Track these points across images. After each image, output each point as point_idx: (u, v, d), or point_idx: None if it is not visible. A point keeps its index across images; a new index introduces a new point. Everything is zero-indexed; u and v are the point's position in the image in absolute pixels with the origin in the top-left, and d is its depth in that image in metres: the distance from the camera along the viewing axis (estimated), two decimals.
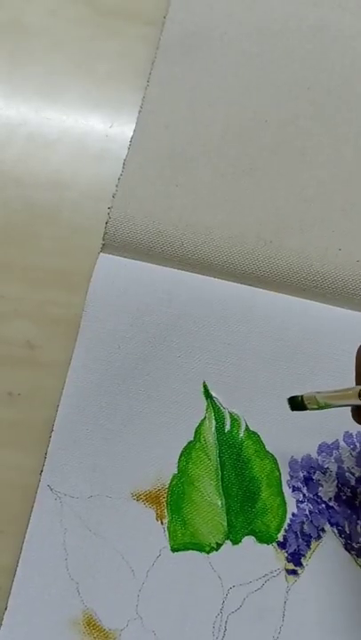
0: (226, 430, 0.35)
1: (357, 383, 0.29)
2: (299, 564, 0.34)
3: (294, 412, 0.30)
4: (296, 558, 0.34)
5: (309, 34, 0.41)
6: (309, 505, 0.34)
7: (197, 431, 0.35)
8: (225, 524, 0.34)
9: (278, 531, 0.34)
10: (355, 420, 0.30)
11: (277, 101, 0.40)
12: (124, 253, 0.37)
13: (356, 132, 0.39)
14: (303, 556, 0.34)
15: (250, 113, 0.39)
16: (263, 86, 0.40)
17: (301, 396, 0.30)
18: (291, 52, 0.40)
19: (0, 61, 0.42)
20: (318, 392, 0.30)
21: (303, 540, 0.34)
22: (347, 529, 0.34)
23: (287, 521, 0.34)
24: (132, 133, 0.39)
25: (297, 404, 0.30)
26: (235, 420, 0.35)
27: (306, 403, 0.30)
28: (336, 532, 0.34)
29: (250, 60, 0.40)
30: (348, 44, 0.41)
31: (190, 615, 0.33)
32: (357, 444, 0.35)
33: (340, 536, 0.34)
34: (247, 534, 0.34)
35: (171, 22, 0.41)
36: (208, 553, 0.34)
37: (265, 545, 0.34)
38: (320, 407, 0.30)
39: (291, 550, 0.34)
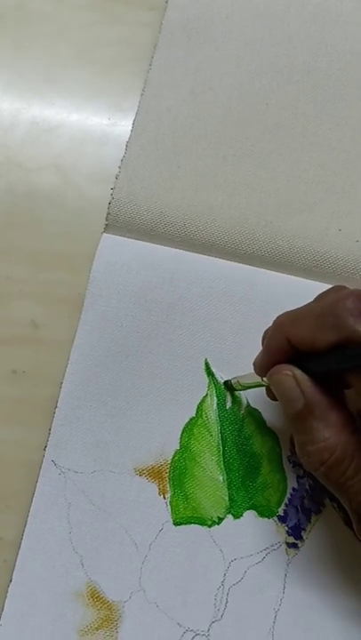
0: (228, 407, 0.36)
1: (265, 354, 0.31)
2: (299, 537, 0.34)
3: None
4: (296, 532, 0.34)
5: (310, 19, 0.41)
6: (310, 480, 0.35)
7: (199, 408, 0.36)
8: (226, 498, 0.35)
9: (279, 505, 0.35)
10: (268, 396, 0.33)
11: (278, 85, 0.40)
12: (126, 234, 0.38)
13: (355, 115, 0.40)
14: (304, 529, 0.34)
15: (251, 96, 0.40)
16: (264, 70, 0.40)
17: (230, 380, 0.35)
18: (291, 37, 0.41)
19: (4, 47, 0.42)
20: (238, 376, 0.35)
21: (303, 514, 0.34)
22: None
23: (288, 495, 0.35)
24: (134, 117, 0.40)
25: (228, 386, 0.35)
26: (236, 398, 0.36)
27: (233, 385, 0.35)
28: (336, 506, 0.35)
29: (251, 44, 0.41)
30: (347, 28, 0.41)
31: (192, 587, 0.34)
32: None
33: (340, 510, 0.34)
34: (248, 508, 0.35)
35: (173, 7, 0.41)
36: (210, 527, 0.34)
37: (266, 519, 0.34)
38: (242, 388, 0.35)
39: (291, 524, 0.34)
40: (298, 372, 0.29)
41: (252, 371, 0.32)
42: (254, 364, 0.32)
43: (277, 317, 0.30)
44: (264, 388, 0.33)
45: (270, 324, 0.31)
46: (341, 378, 0.29)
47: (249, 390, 0.35)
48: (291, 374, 0.29)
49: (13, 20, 0.43)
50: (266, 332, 0.32)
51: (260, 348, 0.32)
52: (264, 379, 0.32)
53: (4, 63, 0.42)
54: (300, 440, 0.29)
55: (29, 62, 0.42)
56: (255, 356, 0.32)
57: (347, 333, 0.27)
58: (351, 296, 0.27)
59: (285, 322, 0.30)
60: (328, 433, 0.28)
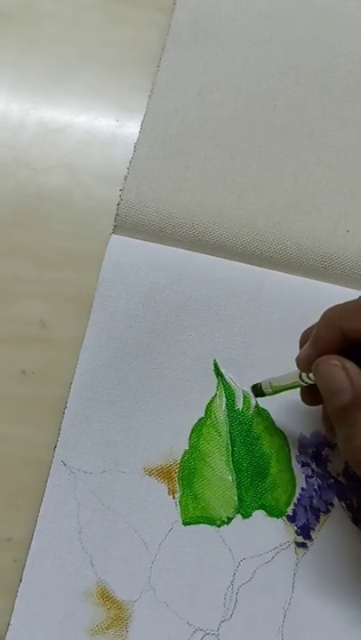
0: (237, 408, 0.36)
1: (313, 348, 0.30)
2: (308, 537, 0.34)
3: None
4: (305, 532, 0.34)
5: (317, 20, 0.41)
6: (318, 480, 0.35)
7: (208, 408, 0.36)
8: (235, 498, 0.35)
9: (288, 505, 0.35)
10: (303, 401, 0.33)
11: (285, 86, 0.40)
12: (135, 235, 0.38)
13: None
14: (312, 529, 0.34)
15: (258, 97, 0.40)
16: (271, 71, 0.41)
17: (260, 384, 0.34)
18: (299, 38, 0.41)
19: (11, 47, 0.42)
20: (271, 378, 0.34)
21: (312, 513, 0.35)
22: (355, 503, 0.35)
23: (297, 495, 0.35)
24: (142, 118, 0.40)
25: (257, 390, 0.35)
26: (246, 398, 0.36)
27: (263, 389, 0.34)
28: (344, 506, 0.35)
29: (258, 45, 0.41)
30: (355, 30, 0.41)
31: (202, 587, 0.34)
32: None
33: (349, 510, 0.35)
34: (257, 508, 0.35)
35: (180, 8, 0.41)
36: (219, 526, 0.34)
37: (275, 519, 0.35)
38: (274, 391, 0.34)
39: (300, 524, 0.35)
40: (348, 362, 0.28)
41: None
42: (298, 359, 0.31)
43: (327, 311, 0.30)
44: (299, 394, 0.33)
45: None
46: None
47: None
48: (340, 364, 0.28)
49: (21, 20, 0.43)
50: (305, 333, 0.31)
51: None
52: (304, 376, 0.31)
53: (13, 64, 0.42)
54: (346, 434, 0.28)
55: (37, 63, 0.42)
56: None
57: None
58: None
59: (338, 315, 0.29)
60: None
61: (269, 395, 0.35)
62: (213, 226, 0.38)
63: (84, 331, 0.36)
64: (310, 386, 0.32)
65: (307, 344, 0.31)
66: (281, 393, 0.34)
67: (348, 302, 0.30)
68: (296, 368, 0.32)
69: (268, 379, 0.35)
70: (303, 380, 0.32)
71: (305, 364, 0.31)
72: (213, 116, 0.40)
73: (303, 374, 0.32)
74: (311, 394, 0.33)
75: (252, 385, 0.35)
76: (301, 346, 0.32)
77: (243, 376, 0.36)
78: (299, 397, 0.34)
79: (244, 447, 0.35)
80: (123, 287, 0.37)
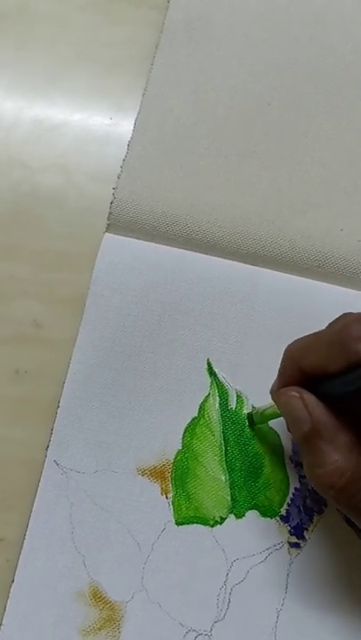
0: (230, 407, 0.36)
1: (279, 381, 0.31)
2: (301, 537, 0.34)
3: None
4: (299, 532, 0.34)
5: (312, 19, 0.41)
6: None
7: (201, 407, 0.36)
8: (229, 498, 0.35)
9: (281, 505, 0.35)
10: (288, 430, 0.33)
11: (281, 85, 0.40)
12: (128, 233, 0.38)
13: (358, 116, 0.40)
14: (306, 529, 0.34)
15: (253, 96, 0.40)
16: (266, 70, 0.40)
17: (251, 413, 0.35)
18: (294, 37, 0.41)
19: (6, 47, 0.42)
20: (258, 407, 0.35)
21: (306, 514, 0.34)
22: None
23: (290, 495, 0.35)
24: (136, 117, 0.40)
25: (250, 419, 0.35)
26: (239, 398, 0.36)
27: (255, 418, 0.35)
28: None
29: (253, 44, 0.41)
30: (350, 29, 0.41)
31: (195, 587, 0.34)
32: None
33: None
34: (251, 508, 0.35)
35: (175, 7, 0.41)
36: (212, 527, 0.34)
37: (268, 519, 0.34)
38: (263, 420, 0.34)
39: (293, 524, 0.34)
40: (306, 393, 0.29)
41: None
42: (271, 391, 0.32)
43: (288, 346, 0.31)
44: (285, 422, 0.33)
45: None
46: (354, 401, 0.29)
47: (252, 389, 0.35)
48: (298, 395, 0.29)
49: (16, 20, 0.43)
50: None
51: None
52: None
53: (7, 63, 0.42)
54: (309, 462, 0.29)
55: (32, 62, 0.42)
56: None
57: (355, 358, 0.27)
58: (357, 322, 0.27)
59: (296, 351, 0.30)
60: (337, 455, 0.28)
61: (260, 424, 0.35)
62: (207, 225, 0.38)
63: (78, 330, 0.36)
64: None
65: (276, 377, 0.32)
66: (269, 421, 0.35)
67: (305, 337, 0.30)
68: None
69: (256, 408, 0.35)
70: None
71: (275, 395, 0.32)
72: (208, 114, 0.40)
73: None
74: None
75: (247, 414, 0.36)
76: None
77: (236, 375, 0.36)
78: None
79: (237, 447, 0.35)
80: (116, 286, 0.37)
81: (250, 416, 0.35)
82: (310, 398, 0.29)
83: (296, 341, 0.30)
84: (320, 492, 0.29)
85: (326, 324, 0.31)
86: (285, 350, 0.31)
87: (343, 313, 0.29)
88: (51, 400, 0.36)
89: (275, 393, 0.32)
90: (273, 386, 0.32)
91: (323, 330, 0.30)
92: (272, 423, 0.35)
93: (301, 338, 0.30)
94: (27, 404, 0.36)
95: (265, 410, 0.34)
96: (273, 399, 0.32)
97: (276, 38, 0.41)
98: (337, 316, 0.31)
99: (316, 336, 0.30)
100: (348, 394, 0.28)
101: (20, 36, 0.42)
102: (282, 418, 0.32)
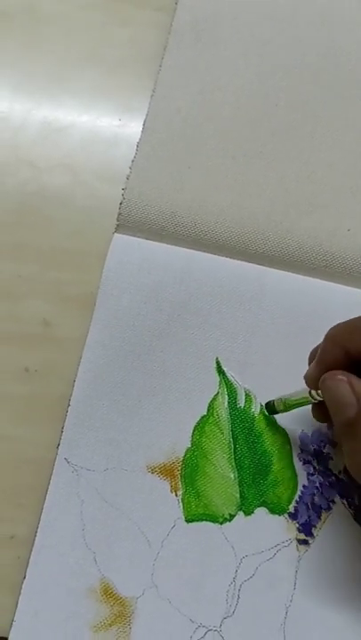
0: (239, 406, 0.36)
1: (319, 366, 0.31)
2: (310, 534, 0.35)
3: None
4: (307, 529, 0.35)
5: (318, 20, 0.42)
6: (320, 477, 0.35)
7: (210, 406, 0.36)
8: (238, 495, 0.35)
9: (290, 502, 0.35)
10: (314, 417, 0.34)
11: (287, 85, 0.40)
12: (137, 233, 0.38)
13: None
14: (314, 526, 0.35)
15: (260, 97, 0.40)
16: (273, 71, 0.41)
17: (273, 401, 0.35)
18: (300, 38, 0.41)
19: (14, 48, 0.42)
20: (283, 396, 0.34)
21: (314, 511, 0.35)
22: (356, 500, 0.35)
23: (298, 493, 0.35)
24: (144, 118, 0.40)
25: (270, 408, 0.35)
26: (248, 396, 0.36)
27: (276, 406, 0.35)
28: (346, 503, 0.35)
29: (260, 45, 0.41)
30: (355, 29, 0.42)
31: (204, 584, 0.34)
32: None
33: (350, 507, 0.35)
34: (259, 506, 0.35)
35: (182, 8, 0.42)
36: (221, 524, 0.35)
37: (277, 516, 0.35)
38: (285, 409, 0.34)
39: (302, 521, 0.35)
40: (354, 378, 0.29)
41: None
42: (306, 377, 0.32)
43: (331, 329, 0.30)
44: (310, 409, 0.34)
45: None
46: None
47: (260, 388, 0.35)
48: (346, 379, 0.29)
49: (23, 21, 0.43)
50: (314, 350, 0.32)
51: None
52: (313, 393, 0.32)
53: (15, 64, 0.42)
54: (351, 448, 0.29)
55: (40, 63, 0.42)
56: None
57: None
58: None
59: (341, 334, 0.30)
60: None
61: (282, 412, 0.35)
62: (215, 225, 0.38)
63: (87, 329, 0.37)
64: (320, 403, 0.32)
65: (313, 362, 0.31)
66: (293, 410, 0.35)
67: (350, 320, 0.30)
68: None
69: (280, 396, 0.35)
70: (313, 397, 0.32)
71: (312, 381, 0.32)
72: (215, 115, 0.40)
73: (313, 391, 0.32)
74: (322, 411, 0.33)
75: (265, 402, 0.36)
76: (310, 362, 0.32)
77: (245, 374, 0.36)
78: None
79: (246, 445, 0.36)
80: (125, 286, 0.37)
81: (270, 405, 0.35)
82: (359, 383, 0.29)
83: (339, 325, 0.30)
84: (359, 480, 0.29)
85: (334, 324, 0.32)
86: (327, 335, 0.30)
87: None
88: (60, 398, 0.36)
89: (310, 379, 0.31)
90: (309, 372, 0.32)
91: None
92: (284, 418, 0.36)
93: (344, 321, 0.30)
94: (36, 402, 0.37)
95: (290, 398, 0.34)
96: (308, 384, 0.32)
97: (282, 39, 0.41)
98: (343, 315, 0.31)
99: None
100: None
101: (28, 38, 0.42)
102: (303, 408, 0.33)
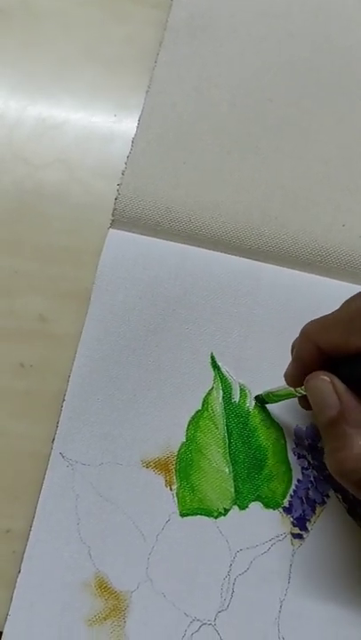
0: (233, 400, 0.36)
1: (295, 364, 0.32)
2: (304, 528, 0.35)
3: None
4: (301, 523, 0.35)
5: (313, 16, 0.42)
6: (314, 472, 0.35)
7: (205, 401, 0.36)
8: (232, 490, 0.35)
9: (284, 496, 0.35)
10: (301, 405, 0.34)
11: (282, 81, 0.41)
12: (132, 229, 0.38)
13: (358, 112, 0.40)
14: (308, 520, 0.35)
15: (255, 92, 0.40)
16: (268, 67, 0.41)
17: (262, 394, 0.35)
18: (295, 34, 0.41)
19: (10, 45, 0.42)
20: (269, 390, 0.35)
21: (308, 505, 0.35)
22: (350, 495, 0.35)
23: (293, 487, 0.35)
24: (139, 114, 0.40)
25: (261, 399, 0.36)
26: (243, 391, 0.36)
27: (265, 398, 0.35)
28: (340, 497, 0.35)
29: (255, 41, 0.41)
30: (350, 25, 0.42)
31: (199, 578, 0.34)
32: None
33: (344, 501, 0.35)
34: (254, 500, 0.35)
35: (178, 4, 0.42)
36: (216, 518, 0.35)
37: (271, 510, 0.35)
38: (275, 400, 0.35)
39: (296, 515, 0.35)
40: (335, 379, 0.29)
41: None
42: (285, 375, 0.32)
43: (305, 326, 0.31)
44: (297, 398, 0.34)
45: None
46: None
47: (255, 383, 0.36)
48: (328, 380, 0.29)
49: (19, 17, 0.43)
50: (294, 343, 0.32)
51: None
52: (298, 388, 0.32)
53: (11, 61, 0.42)
54: (332, 447, 0.29)
55: (35, 60, 0.42)
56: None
57: None
58: None
59: (314, 330, 0.30)
60: None
61: (273, 402, 0.35)
62: (210, 220, 0.38)
63: (83, 325, 0.37)
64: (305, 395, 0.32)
65: (291, 360, 0.32)
66: (287, 402, 0.35)
67: (323, 317, 0.30)
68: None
69: (267, 390, 0.35)
70: (297, 392, 0.33)
71: (290, 379, 0.32)
72: (210, 111, 0.40)
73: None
74: (306, 401, 0.33)
75: (255, 395, 0.36)
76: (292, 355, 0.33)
77: (239, 369, 0.36)
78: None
79: (240, 439, 0.36)
80: (120, 281, 0.37)
81: (259, 397, 0.36)
82: (340, 383, 0.29)
83: (313, 321, 0.30)
84: (340, 479, 0.29)
85: None
86: (302, 331, 0.31)
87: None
88: (56, 394, 0.36)
89: (288, 377, 0.32)
90: (287, 370, 0.32)
91: (340, 308, 0.30)
92: (279, 412, 0.36)
93: (318, 318, 0.30)
94: (32, 397, 0.37)
95: (276, 392, 0.34)
96: (288, 382, 0.32)
97: (277, 36, 0.41)
98: None
99: (334, 314, 0.30)
100: None
101: (24, 35, 0.43)
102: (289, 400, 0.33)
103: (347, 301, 0.30)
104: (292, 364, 0.32)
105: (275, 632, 0.34)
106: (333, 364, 0.30)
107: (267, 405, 0.36)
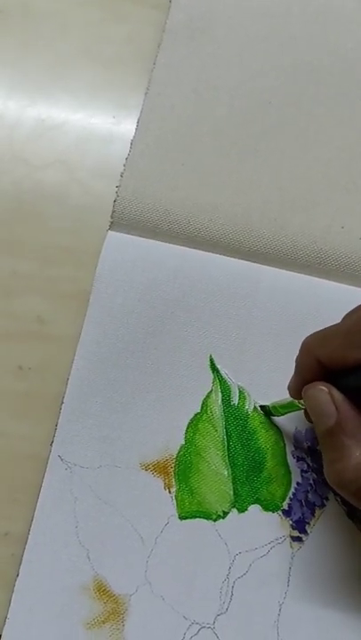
0: (232, 403, 0.36)
1: (296, 376, 0.32)
2: (303, 531, 0.35)
3: None
4: (301, 526, 0.35)
5: (312, 17, 0.42)
6: (313, 474, 0.35)
7: (204, 403, 0.36)
8: (231, 492, 0.35)
9: (283, 499, 0.35)
10: (306, 419, 0.34)
11: (281, 83, 0.40)
12: (131, 231, 0.38)
13: (358, 113, 0.40)
14: (307, 523, 0.35)
15: (254, 94, 0.40)
16: (267, 69, 0.41)
17: (268, 406, 0.35)
18: (294, 36, 0.41)
19: (9, 45, 0.42)
20: (275, 402, 0.35)
21: (307, 508, 0.35)
22: None
23: (292, 490, 0.35)
24: (138, 115, 0.40)
25: (267, 411, 0.36)
26: (242, 393, 0.36)
27: (272, 410, 0.35)
28: (339, 500, 0.35)
29: (254, 42, 0.41)
30: (350, 27, 0.42)
31: (198, 581, 0.34)
32: None
33: (344, 504, 0.35)
34: (253, 503, 0.35)
35: (176, 6, 0.42)
36: (215, 521, 0.35)
37: (270, 513, 0.35)
38: (281, 413, 0.35)
39: (295, 518, 0.35)
40: (333, 389, 0.29)
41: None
42: (288, 387, 0.33)
43: (305, 339, 0.31)
44: (303, 411, 0.34)
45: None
46: None
47: (254, 385, 0.36)
48: (326, 390, 0.29)
49: (18, 18, 0.43)
50: (296, 358, 0.32)
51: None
52: (300, 402, 0.32)
53: (10, 61, 0.42)
54: (330, 457, 0.29)
55: (34, 60, 0.42)
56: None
57: None
58: None
59: (314, 343, 0.30)
60: (359, 451, 0.28)
61: (279, 415, 0.35)
62: (209, 222, 0.38)
63: (82, 327, 0.37)
64: None
65: (293, 372, 0.32)
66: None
67: (322, 329, 0.30)
68: None
69: (273, 402, 0.35)
70: (300, 404, 0.33)
71: (293, 392, 0.33)
72: (209, 113, 0.40)
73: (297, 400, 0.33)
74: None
75: (260, 405, 0.36)
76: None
77: (238, 371, 0.36)
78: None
79: (239, 442, 0.36)
80: (119, 283, 0.37)
81: (265, 408, 0.36)
82: (338, 393, 0.29)
83: (313, 334, 0.31)
84: (338, 489, 0.29)
85: (327, 321, 0.32)
86: (302, 344, 0.31)
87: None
88: (54, 396, 0.36)
89: (290, 389, 0.32)
90: (290, 382, 0.32)
91: (340, 321, 0.30)
92: (276, 419, 0.36)
93: (318, 330, 0.30)
94: (30, 399, 0.37)
95: (280, 404, 0.34)
96: (291, 395, 0.33)
97: (276, 37, 0.41)
98: (337, 312, 0.31)
99: (333, 327, 0.30)
100: None
101: (23, 35, 0.42)
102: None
103: (347, 314, 0.30)
104: (294, 376, 0.32)
105: (274, 635, 0.34)
106: (334, 377, 0.30)
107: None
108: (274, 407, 0.35)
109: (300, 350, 0.31)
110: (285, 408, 0.34)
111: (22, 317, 0.38)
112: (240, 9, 0.42)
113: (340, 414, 0.29)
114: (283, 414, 0.35)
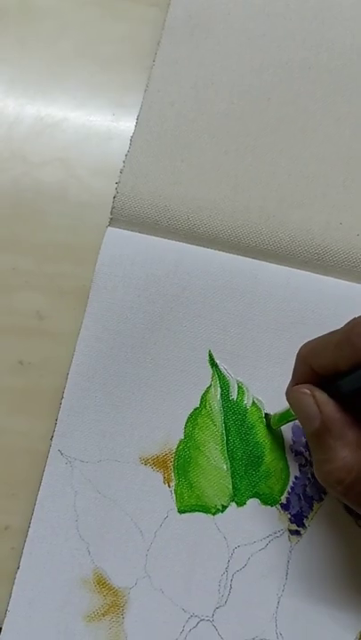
0: (231, 398, 0.36)
1: (292, 383, 0.32)
2: (301, 524, 0.35)
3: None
4: (299, 519, 0.35)
5: (311, 14, 0.42)
6: (312, 468, 0.35)
7: (203, 398, 0.36)
8: (230, 486, 0.35)
9: (282, 493, 0.35)
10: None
11: (280, 80, 0.41)
12: (131, 227, 0.38)
13: (355, 110, 0.40)
14: (306, 517, 0.35)
15: (253, 91, 0.41)
16: (266, 66, 0.41)
17: (270, 416, 0.36)
18: (293, 33, 0.41)
19: (8, 43, 0.43)
20: (276, 412, 0.35)
21: (306, 501, 0.35)
22: None
23: (290, 484, 0.35)
24: (137, 113, 0.40)
25: (268, 421, 0.36)
26: (240, 388, 0.36)
27: (271, 422, 0.36)
28: None
29: (253, 40, 0.41)
30: (348, 24, 0.42)
31: (197, 574, 0.34)
32: None
33: None
34: (252, 496, 0.35)
35: (175, 4, 0.42)
36: (214, 514, 0.35)
37: (269, 507, 0.35)
38: (283, 422, 0.35)
39: (294, 512, 0.35)
40: (317, 391, 0.30)
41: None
42: (286, 393, 0.33)
43: (300, 348, 0.31)
44: None
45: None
46: None
47: (253, 380, 0.36)
48: (309, 392, 0.30)
49: (17, 16, 0.43)
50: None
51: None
52: None
53: (9, 59, 0.42)
54: (318, 459, 0.29)
55: (33, 58, 0.42)
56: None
57: None
58: None
59: (307, 352, 0.31)
60: (346, 452, 0.28)
61: (274, 428, 0.36)
62: (208, 218, 0.38)
63: (81, 322, 0.37)
64: None
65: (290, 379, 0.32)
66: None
67: (318, 337, 0.31)
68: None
69: (274, 412, 0.36)
70: None
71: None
72: (208, 109, 0.40)
73: None
74: None
75: (265, 413, 0.36)
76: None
77: (237, 366, 0.36)
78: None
79: (238, 436, 0.36)
80: (119, 279, 0.37)
81: (267, 417, 0.36)
82: (321, 395, 0.29)
83: (307, 343, 0.31)
84: (328, 489, 0.30)
85: (325, 317, 0.32)
86: (298, 353, 0.31)
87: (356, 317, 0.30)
88: (54, 391, 0.36)
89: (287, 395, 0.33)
90: (288, 388, 0.33)
91: (332, 331, 0.30)
92: (273, 412, 0.36)
93: (312, 340, 0.31)
94: (30, 394, 0.37)
95: (280, 413, 0.35)
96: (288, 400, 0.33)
97: (275, 34, 0.41)
98: (335, 308, 0.31)
99: (325, 337, 0.30)
100: (356, 390, 0.28)
101: (22, 33, 0.43)
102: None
103: (344, 325, 0.30)
104: (290, 383, 0.32)
105: (272, 628, 0.34)
106: (328, 383, 0.30)
107: (264, 402, 0.36)
108: (274, 417, 0.35)
109: (296, 359, 0.31)
110: (282, 419, 0.34)
111: (22, 313, 0.38)
112: (239, 6, 0.42)
113: (323, 415, 0.29)
114: (280, 424, 0.35)
